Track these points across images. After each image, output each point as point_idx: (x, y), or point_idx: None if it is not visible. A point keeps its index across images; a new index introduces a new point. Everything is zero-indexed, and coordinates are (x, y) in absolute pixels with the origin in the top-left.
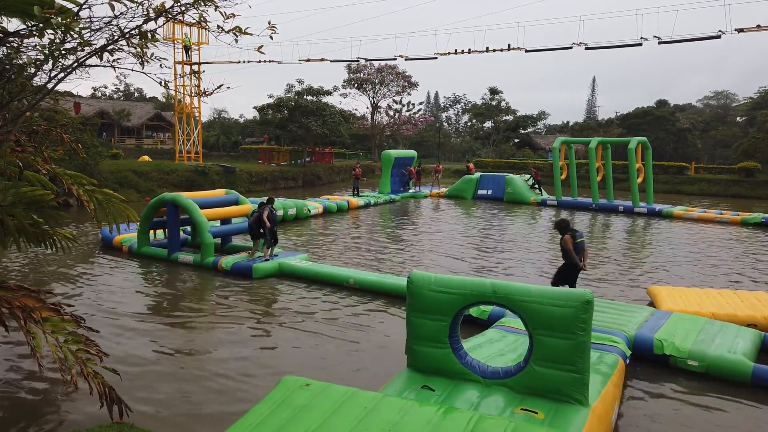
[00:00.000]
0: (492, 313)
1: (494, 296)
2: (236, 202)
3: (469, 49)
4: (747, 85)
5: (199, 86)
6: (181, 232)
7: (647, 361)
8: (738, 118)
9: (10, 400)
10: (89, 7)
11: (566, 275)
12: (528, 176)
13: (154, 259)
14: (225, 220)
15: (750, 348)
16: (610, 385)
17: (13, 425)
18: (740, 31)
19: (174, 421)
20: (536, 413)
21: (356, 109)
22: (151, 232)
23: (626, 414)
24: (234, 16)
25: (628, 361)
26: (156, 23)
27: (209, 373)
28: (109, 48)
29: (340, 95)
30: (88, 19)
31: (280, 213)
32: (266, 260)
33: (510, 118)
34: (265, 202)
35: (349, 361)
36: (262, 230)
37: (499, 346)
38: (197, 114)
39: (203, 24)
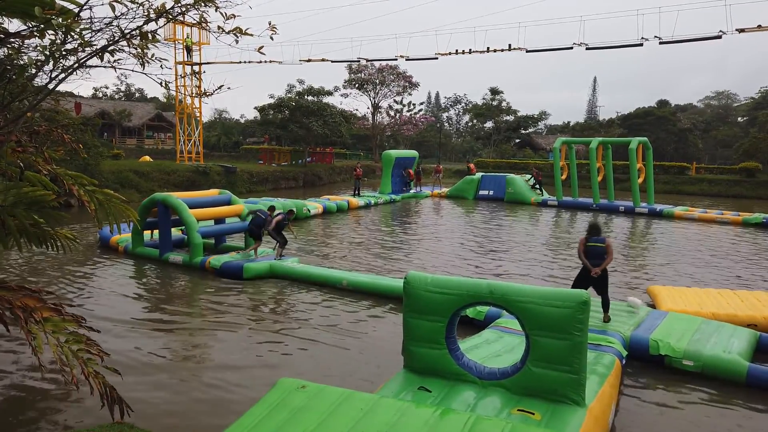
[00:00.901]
0: (488, 313)
1: (491, 297)
2: (228, 202)
3: (470, 50)
4: (748, 85)
5: (200, 87)
6: (180, 232)
7: (643, 361)
8: (739, 118)
9: (11, 399)
10: (90, 8)
11: (579, 278)
12: (529, 176)
13: (148, 259)
14: (219, 221)
15: (745, 348)
16: (607, 386)
17: (14, 425)
18: (741, 31)
19: (171, 421)
20: (533, 414)
21: (357, 110)
22: (147, 232)
23: (623, 414)
24: (234, 16)
25: (624, 362)
26: (156, 24)
27: (204, 375)
28: (109, 49)
29: (341, 95)
30: (89, 20)
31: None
32: (277, 259)
33: (511, 118)
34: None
35: (345, 363)
36: (266, 232)
37: (496, 346)
38: (198, 114)
39: (204, 25)
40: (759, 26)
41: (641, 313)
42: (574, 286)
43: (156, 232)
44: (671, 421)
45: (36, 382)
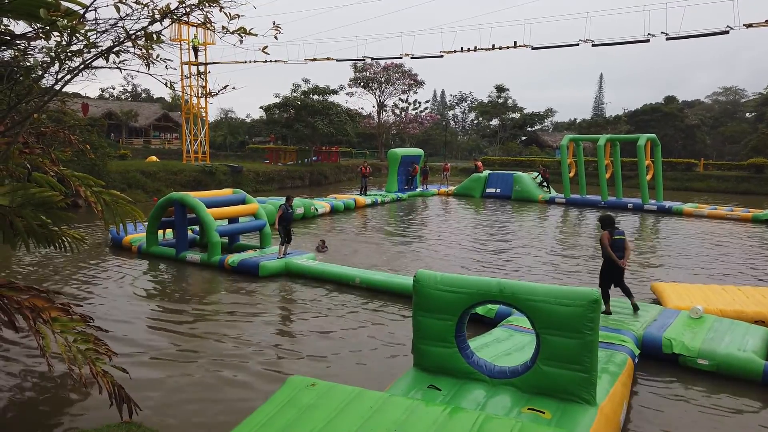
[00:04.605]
0: (499, 311)
1: (500, 295)
2: (243, 202)
3: (476, 47)
4: (756, 80)
5: (205, 86)
6: (190, 232)
7: (656, 360)
8: (747, 114)
9: (19, 399)
10: (95, 9)
11: (607, 273)
12: (536, 174)
13: (163, 258)
14: (232, 219)
15: (760, 346)
16: (619, 385)
17: (23, 424)
18: (749, 26)
19: (180, 420)
20: (543, 413)
21: (362, 108)
22: (160, 231)
23: (635, 413)
24: (239, 16)
25: (636, 360)
26: (161, 25)
27: (215, 374)
28: (115, 50)
29: (347, 94)
30: (94, 21)
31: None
32: (280, 258)
33: (517, 115)
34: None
35: (356, 361)
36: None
37: (506, 345)
38: (204, 114)
39: (208, 25)
40: (766, 21)
41: (653, 312)
42: (602, 283)
43: (168, 231)
44: (684, 420)
45: (44, 382)
